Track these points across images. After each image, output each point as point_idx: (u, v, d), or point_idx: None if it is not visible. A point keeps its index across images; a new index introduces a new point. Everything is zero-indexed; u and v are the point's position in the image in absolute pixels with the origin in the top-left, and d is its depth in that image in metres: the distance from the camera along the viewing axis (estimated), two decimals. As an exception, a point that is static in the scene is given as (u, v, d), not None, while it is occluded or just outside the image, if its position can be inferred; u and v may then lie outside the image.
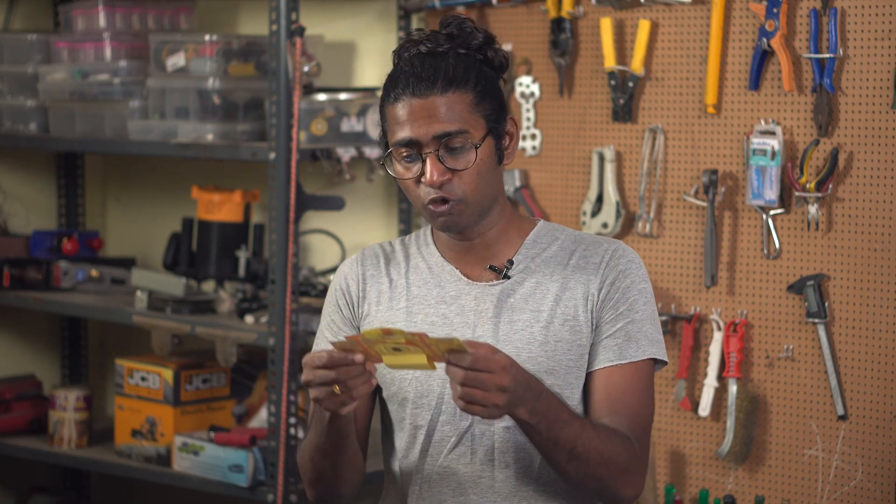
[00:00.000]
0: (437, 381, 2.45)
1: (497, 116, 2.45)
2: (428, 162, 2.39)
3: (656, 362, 2.50)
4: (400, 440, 2.50)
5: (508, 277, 2.48)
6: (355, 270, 2.56)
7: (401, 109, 2.40)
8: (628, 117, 3.65)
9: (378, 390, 2.54)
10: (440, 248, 2.53)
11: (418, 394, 2.46)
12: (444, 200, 2.41)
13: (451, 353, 2.22)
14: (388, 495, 2.55)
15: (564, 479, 2.39)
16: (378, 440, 2.60)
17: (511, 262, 2.49)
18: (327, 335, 2.55)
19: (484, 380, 2.21)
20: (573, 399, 2.45)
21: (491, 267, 2.50)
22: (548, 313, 2.45)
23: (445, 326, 2.47)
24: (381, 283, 2.54)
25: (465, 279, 2.50)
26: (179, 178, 4.49)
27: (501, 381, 2.22)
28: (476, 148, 2.40)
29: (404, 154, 2.42)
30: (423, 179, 2.40)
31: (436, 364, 2.26)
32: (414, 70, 2.41)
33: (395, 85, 2.42)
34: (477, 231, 2.48)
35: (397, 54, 2.46)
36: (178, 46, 3.96)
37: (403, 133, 2.40)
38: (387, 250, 2.58)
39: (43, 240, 4.38)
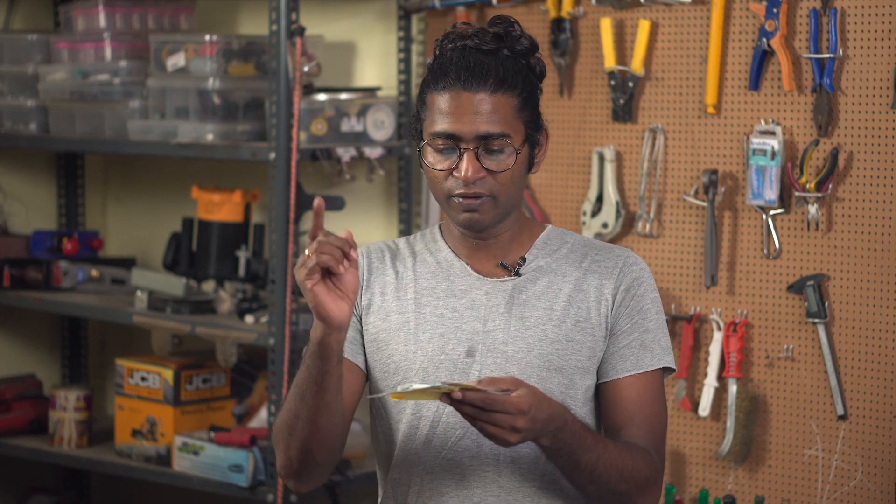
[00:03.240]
0: (445, 373, 2.45)
1: (534, 125, 2.46)
2: (465, 158, 2.39)
3: (665, 370, 2.52)
4: (398, 431, 2.49)
5: (520, 275, 2.49)
6: (360, 262, 2.56)
7: (447, 100, 2.40)
8: (628, 117, 3.65)
9: (366, 387, 2.54)
10: (451, 244, 2.54)
11: (425, 384, 2.46)
12: (475, 196, 2.41)
13: (465, 390, 2.21)
14: (388, 492, 2.54)
15: (583, 494, 2.42)
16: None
17: (524, 259, 2.50)
18: None
19: (498, 420, 2.22)
20: (578, 399, 2.46)
21: (502, 264, 2.50)
22: (560, 312, 2.46)
23: (455, 319, 2.47)
24: (387, 276, 2.54)
25: (476, 274, 2.50)
26: (179, 178, 4.50)
27: (516, 423, 2.22)
28: (517, 153, 2.41)
29: (440, 145, 2.41)
30: (455, 173, 2.40)
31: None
32: (466, 63, 2.40)
33: (445, 73, 2.41)
34: (493, 232, 2.49)
35: (440, 44, 2.46)
36: (178, 46, 3.96)
37: (445, 125, 2.40)
38: (391, 246, 2.58)
39: (43, 240, 4.39)
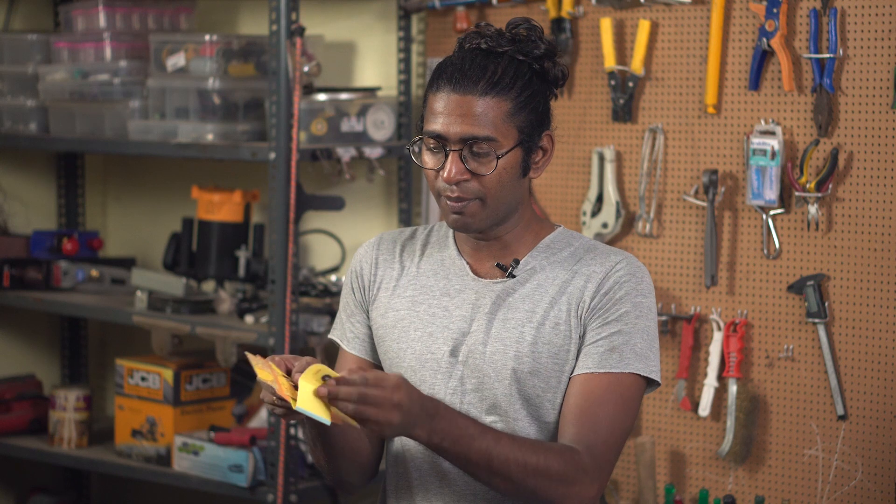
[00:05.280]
0: (430, 371, 2.48)
1: (531, 130, 2.45)
2: (449, 158, 2.41)
3: (649, 383, 2.45)
4: None
5: (513, 276, 2.49)
6: (370, 254, 2.60)
7: (439, 101, 2.42)
8: (628, 117, 3.65)
9: None
10: (458, 241, 2.56)
11: (412, 383, 2.47)
12: (458, 199, 2.42)
13: (340, 378, 2.23)
14: (390, 490, 2.56)
15: (498, 493, 2.38)
16: None
17: (516, 262, 2.50)
18: (343, 317, 2.60)
19: (377, 397, 2.22)
20: (555, 403, 2.45)
21: (498, 265, 2.50)
22: (541, 315, 2.45)
23: (445, 318, 2.49)
24: (393, 269, 2.57)
25: (472, 275, 2.51)
26: (179, 178, 4.50)
27: (395, 397, 2.23)
28: (498, 158, 2.41)
29: (432, 145, 2.44)
30: (441, 173, 2.42)
31: (331, 419, 2.25)
32: (462, 65, 2.42)
33: (441, 75, 2.44)
34: (491, 234, 2.50)
35: (459, 44, 2.48)
36: (178, 46, 3.96)
37: (434, 125, 2.42)
38: (406, 235, 2.61)
39: (43, 240, 4.38)
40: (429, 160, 2.45)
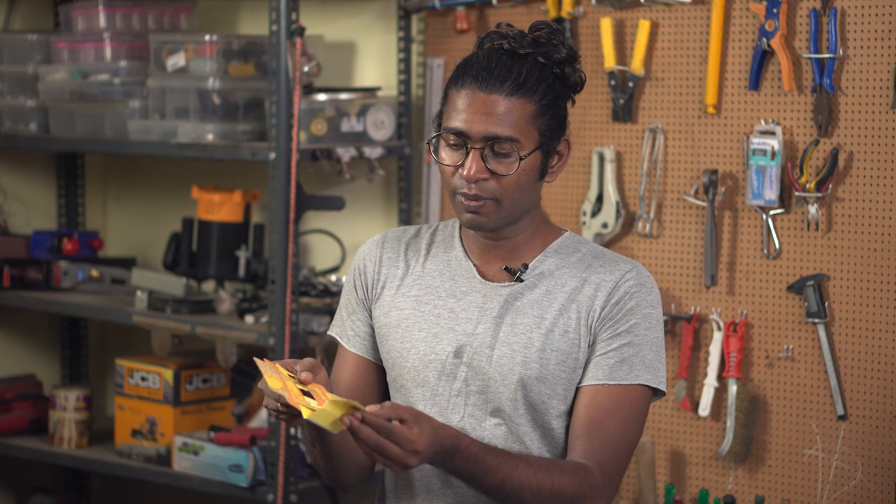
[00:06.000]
0: (433, 372, 2.48)
1: (552, 134, 2.45)
2: (470, 156, 2.41)
3: (655, 393, 2.47)
4: None
5: (521, 280, 2.49)
6: (374, 252, 2.60)
7: (462, 97, 2.41)
8: (628, 117, 3.65)
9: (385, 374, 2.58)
10: (465, 242, 2.55)
11: (414, 383, 2.49)
12: (475, 197, 2.42)
13: (366, 417, 2.22)
14: (389, 491, 2.56)
15: None
16: None
17: (525, 266, 2.49)
18: (343, 314, 2.60)
19: (392, 452, 2.23)
20: (560, 410, 2.45)
21: (506, 268, 2.50)
22: (550, 321, 2.46)
23: (451, 320, 2.49)
24: (398, 268, 2.57)
25: (479, 277, 2.51)
26: (179, 178, 4.50)
27: (409, 461, 2.24)
28: (521, 159, 2.41)
29: (452, 141, 2.43)
30: (460, 171, 2.42)
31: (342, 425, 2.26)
32: (488, 64, 2.42)
33: (466, 72, 2.43)
34: (502, 234, 2.49)
35: (480, 42, 2.48)
36: (178, 46, 3.97)
37: (457, 122, 2.41)
38: (410, 234, 2.61)
39: (43, 240, 4.39)
40: (447, 156, 2.44)
